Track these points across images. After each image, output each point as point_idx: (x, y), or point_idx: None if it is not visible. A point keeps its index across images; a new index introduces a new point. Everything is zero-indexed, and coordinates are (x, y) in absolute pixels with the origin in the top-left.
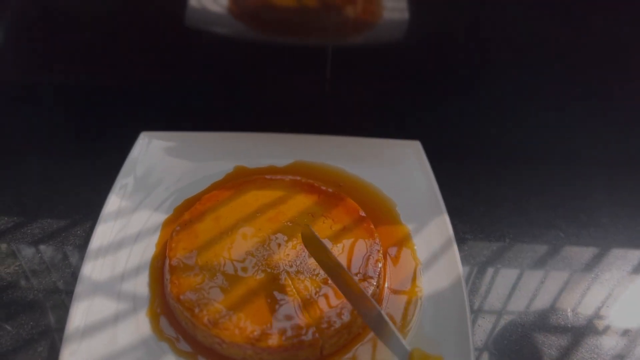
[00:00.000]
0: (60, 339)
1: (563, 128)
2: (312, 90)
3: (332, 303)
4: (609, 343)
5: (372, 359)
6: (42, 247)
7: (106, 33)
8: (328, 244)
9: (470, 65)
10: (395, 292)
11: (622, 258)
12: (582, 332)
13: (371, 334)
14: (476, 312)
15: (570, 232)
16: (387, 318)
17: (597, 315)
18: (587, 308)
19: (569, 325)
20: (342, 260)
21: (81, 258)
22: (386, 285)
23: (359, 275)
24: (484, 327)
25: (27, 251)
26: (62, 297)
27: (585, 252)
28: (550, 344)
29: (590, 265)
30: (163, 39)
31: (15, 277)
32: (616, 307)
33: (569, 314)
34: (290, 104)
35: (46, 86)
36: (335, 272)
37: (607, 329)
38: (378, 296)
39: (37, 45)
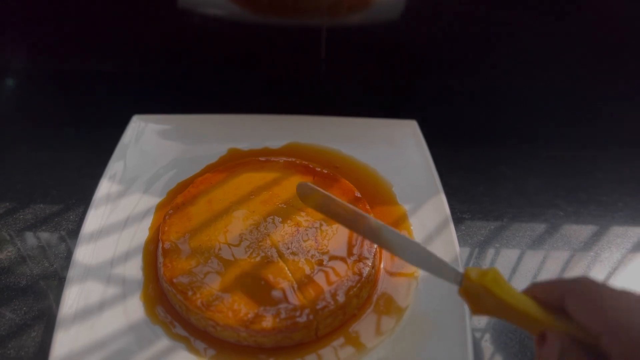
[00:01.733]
0: (54, 323)
1: (562, 107)
2: (306, 70)
3: (326, 284)
4: None
5: (367, 338)
6: (35, 232)
7: (98, 17)
8: (322, 224)
9: (467, 44)
10: (391, 273)
11: (622, 236)
12: None
13: (366, 314)
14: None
15: (569, 210)
16: (429, 250)
17: None
18: None
19: None
20: (338, 242)
21: (74, 243)
22: (382, 265)
23: (354, 256)
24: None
25: (21, 237)
26: (55, 282)
27: (585, 231)
28: None
29: (590, 244)
30: (156, 22)
31: (8, 262)
32: (616, 285)
33: None
34: (284, 85)
35: (38, 72)
36: (352, 219)
37: None
38: (374, 277)
39: (28, 31)
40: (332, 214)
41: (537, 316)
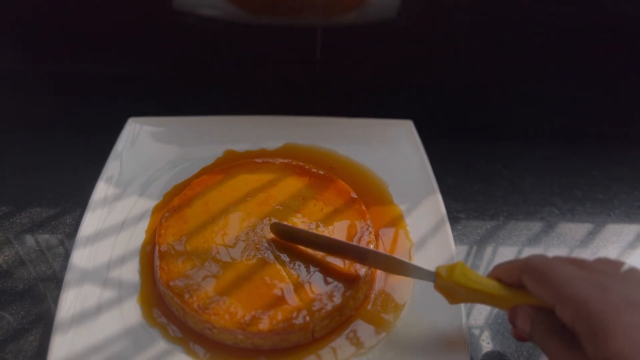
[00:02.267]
0: (52, 327)
1: (558, 105)
2: (302, 71)
3: (323, 286)
4: None
5: (364, 339)
6: (32, 236)
7: (93, 19)
8: (319, 226)
9: (463, 43)
10: (387, 273)
11: (618, 233)
12: None
13: (364, 314)
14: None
15: (565, 208)
16: (397, 257)
17: None
18: None
19: None
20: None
21: (71, 246)
22: None
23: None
24: (478, 307)
25: (17, 240)
26: (53, 285)
27: (581, 229)
28: None
29: (586, 242)
30: (150, 23)
31: (6, 266)
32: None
33: None
34: (280, 86)
35: (33, 74)
36: (328, 245)
37: None
38: (370, 277)
39: (24, 32)
40: (312, 244)
41: (504, 295)
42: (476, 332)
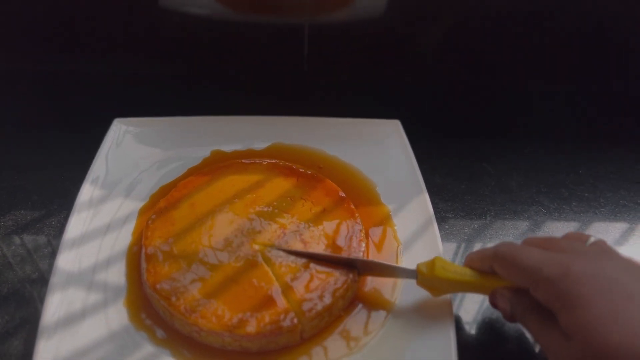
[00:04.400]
0: (37, 331)
1: (545, 104)
2: (289, 68)
3: (311, 287)
4: None
5: (353, 338)
6: (16, 238)
7: (79, 18)
8: (309, 226)
9: (450, 42)
10: None
11: (604, 231)
12: None
13: (353, 313)
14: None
15: (552, 207)
16: (378, 260)
17: None
18: None
19: None
20: (323, 243)
21: (57, 249)
22: None
23: (342, 254)
24: (466, 305)
25: (2, 243)
26: (37, 289)
27: (567, 227)
28: None
29: None
30: (136, 22)
31: None
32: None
33: None
34: (267, 83)
35: (18, 74)
36: (315, 258)
37: None
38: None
39: (7, 31)
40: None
41: (482, 282)
42: (465, 328)
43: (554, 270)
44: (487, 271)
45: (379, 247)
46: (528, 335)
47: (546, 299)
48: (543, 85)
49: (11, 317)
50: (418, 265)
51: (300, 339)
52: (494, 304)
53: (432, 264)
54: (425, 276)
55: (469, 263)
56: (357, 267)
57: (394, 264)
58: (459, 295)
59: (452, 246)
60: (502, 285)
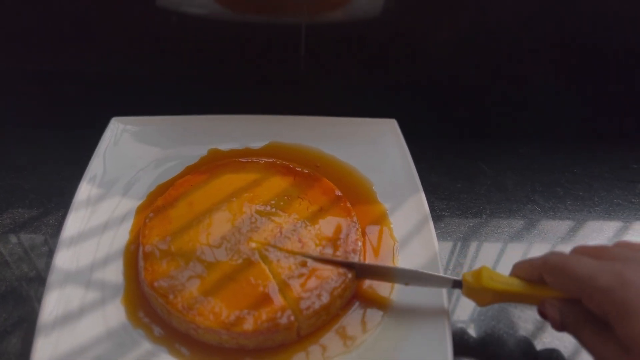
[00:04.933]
0: (34, 329)
1: (540, 104)
2: (286, 68)
3: (309, 285)
4: None
5: (350, 337)
6: (13, 237)
7: (76, 17)
8: (306, 225)
9: (447, 42)
10: None
11: (598, 230)
12: None
13: (350, 312)
14: (453, 289)
15: (547, 206)
16: (420, 270)
17: None
18: None
19: None
20: (321, 242)
21: (54, 247)
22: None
23: (338, 253)
24: (461, 303)
25: None
26: (35, 287)
27: (562, 225)
28: (527, 318)
29: (567, 238)
30: (133, 22)
31: None
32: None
33: None
34: (264, 84)
35: (15, 73)
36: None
37: None
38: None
39: (6, 30)
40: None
41: (531, 292)
42: (461, 327)
43: (609, 280)
44: (536, 281)
45: (375, 245)
46: (522, 333)
47: (601, 309)
48: (539, 85)
49: (9, 315)
50: (464, 275)
51: (297, 337)
52: (543, 314)
53: (478, 273)
54: (472, 286)
55: (517, 273)
56: (395, 276)
57: (438, 273)
58: (455, 292)
59: (448, 245)
60: (551, 296)
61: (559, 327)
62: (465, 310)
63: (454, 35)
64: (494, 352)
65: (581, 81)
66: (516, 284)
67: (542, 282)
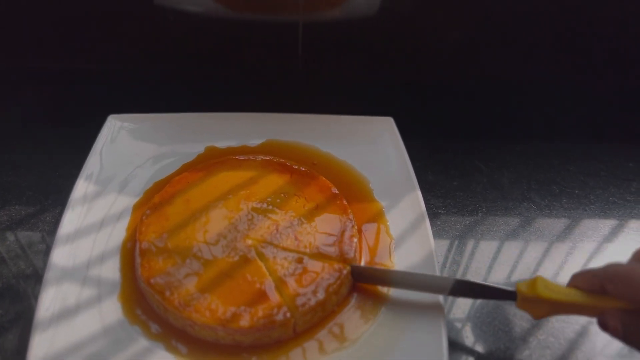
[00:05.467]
0: (31, 326)
1: (536, 102)
2: (283, 67)
3: (305, 282)
4: None
5: (345, 333)
6: (10, 234)
7: (73, 15)
8: (302, 222)
9: (443, 40)
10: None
11: (594, 228)
12: None
13: (346, 309)
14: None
15: (543, 204)
16: (475, 280)
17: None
18: (559, 278)
19: None
20: (317, 239)
21: (51, 244)
22: (363, 261)
23: (333, 253)
24: (457, 301)
25: None
26: (32, 284)
27: (558, 223)
28: (522, 315)
29: (562, 236)
30: (131, 20)
31: None
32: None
33: None
34: (261, 82)
35: (12, 71)
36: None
37: None
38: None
39: (3, 29)
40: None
41: (590, 303)
42: (457, 325)
43: None
44: (596, 291)
45: (371, 243)
46: (517, 330)
47: None
48: (535, 84)
49: (5, 311)
50: (517, 285)
51: (293, 333)
52: (603, 325)
53: (533, 283)
54: (527, 296)
55: (575, 283)
56: (455, 290)
57: (494, 284)
58: None
59: (444, 242)
60: (613, 306)
61: (622, 338)
62: (461, 308)
63: (451, 34)
64: (489, 348)
65: (577, 79)
66: (575, 294)
67: (603, 292)
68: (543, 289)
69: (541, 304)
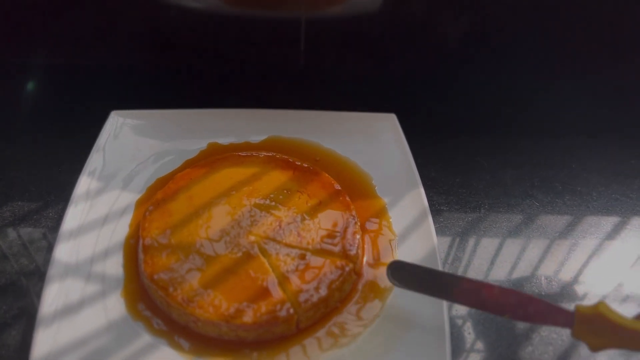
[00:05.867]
0: (34, 322)
1: (539, 99)
2: (286, 64)
3: (308, 278)
4: None
5: (348, 330)
6: (13, 230)
7: (74, 10)
8: (305, 219)
9: (446, 37)
10: (372, 265)
11: (596, 225)
12: (556, 298)
13: (349, 305)
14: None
15: (545, 201)
16: (535, 296)
17: (570, 282)
18: (561, 275)
19: (543, 293)
20: (320, 236)
21: (54, 240)
22: (365, 259)
23: (336, 249)
24: None
25: None
26: (35, 280)
27: (560, 220)
28: None
29: (565, 233)
30: (133, 15)
31: None
32: (590, 274)
33: (543, 281)
34: (263, 79)
35: (14, 66)
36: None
37: (580, 294)
38: (358, 269)
39: (5, 24)
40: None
41: None
42: (459, 322)
43: None
44: None
45: (374, 239)
46: (520, 325)
47: None
48: (538, 80)
49: (9, 307)
50: (577, 307)
51: (296, 329)
52: None
53: (596, 307)
54: (588, 317)
55: None
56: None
57: (549, 301)
58: None
59: (446, 239)
60: None
61: None
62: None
63: (453, 30)
64: (492, 345)
65: (580, 76)
66: None
67: None
68: (608, 312)
69: (603, 329)
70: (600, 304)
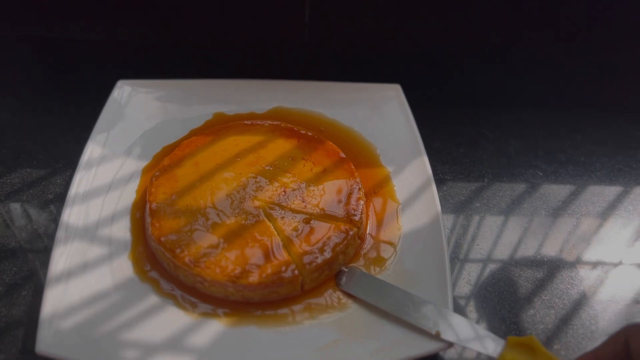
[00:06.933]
0: (44, 283)
1: (544, 71)
2: (290, 35)
3: (313, 241)
4: (583, 274)
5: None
6: (22, 196)
7: None
8: (309, 185)
9: (449, 8)
10: (376, 231)
11: (599, 194)
12: (557, 265)
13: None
14: (454, 249)
15: (549, 170)
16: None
17: (572, 249)
18: (562, 243)
19: (545, 259)
20: (324, 201)
21: (62, 206)
22: (369, 223)
23: (341, 214)
24: (463, 263)
25: (8, 200)
26: (44, 243)
27: (563, 190)
28: (527, 276)
29: (567, 202)
30: None
31: None
32: (591, 241)
33: (545, 248)
34: (268, 50)
35: (22, 38)
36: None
37: (580, 261)
38: (361, 234)
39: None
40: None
41: None
42: (463, 286)
43: None
44: (618, 354)
45: (378, 207)
46: (522, 290)
47: None
48: (543, 51)
49: (19, 268)
50: (509, 339)
51: (301, 290)
52: None
53: (525, 343)
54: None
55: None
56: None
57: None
58: (454, 252)
59: (450, 207)
60: None
61: None
62: (466, 269)
63: (459, 3)
64: (494, 308)
65: (584, 48)
66: None
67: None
68: (537, 346)
69: None
70: (531, 339)
